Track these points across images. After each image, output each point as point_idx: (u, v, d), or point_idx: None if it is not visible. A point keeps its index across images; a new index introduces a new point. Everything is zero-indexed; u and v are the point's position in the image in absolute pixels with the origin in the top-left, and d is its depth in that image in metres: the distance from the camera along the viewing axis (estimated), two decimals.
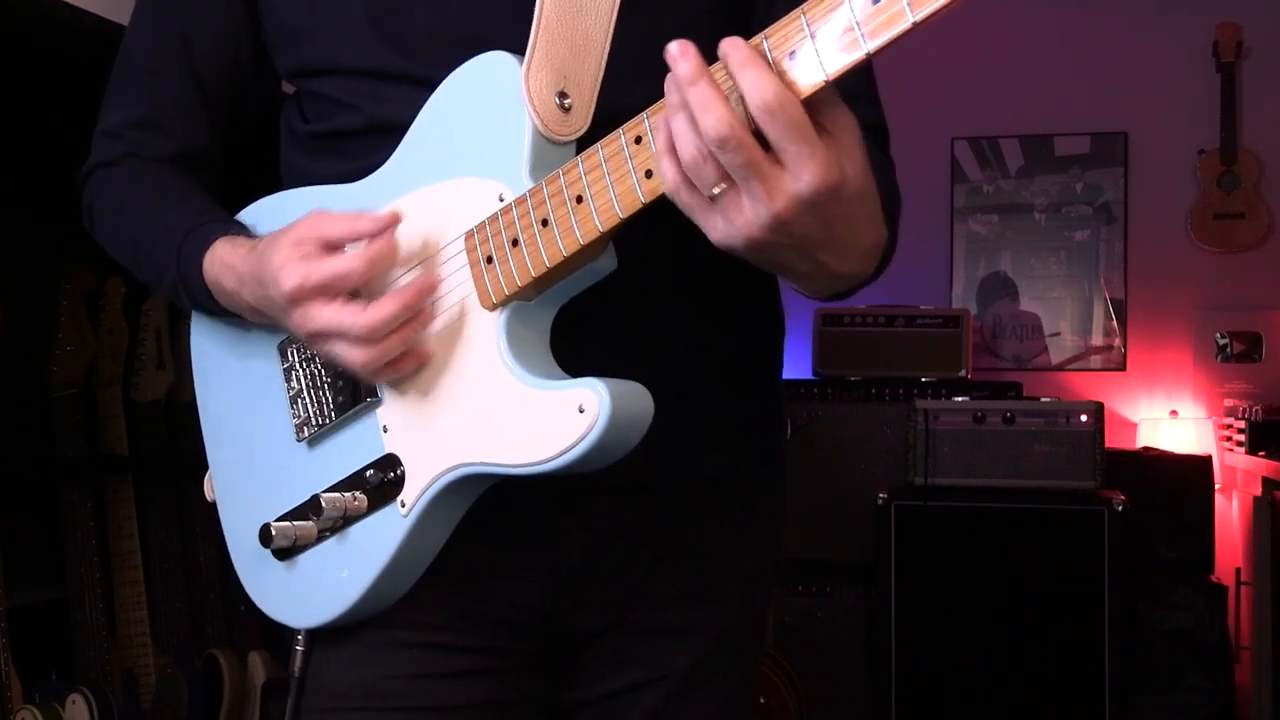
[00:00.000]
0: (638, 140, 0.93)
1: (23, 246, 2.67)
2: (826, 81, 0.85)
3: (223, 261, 1.13)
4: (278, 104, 1.28)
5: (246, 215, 1.23)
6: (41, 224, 2.71)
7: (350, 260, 1.03)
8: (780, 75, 0.85)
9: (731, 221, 0.89)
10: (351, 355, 1.03)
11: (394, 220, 1.05)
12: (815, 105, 0.86)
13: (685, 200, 0.90)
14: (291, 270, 1.03)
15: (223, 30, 1.22)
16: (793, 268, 0.94)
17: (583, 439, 0.96)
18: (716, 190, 0.88)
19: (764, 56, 0.86)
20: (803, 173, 0.85)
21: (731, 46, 0.86)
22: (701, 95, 0.86)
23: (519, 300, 1.02)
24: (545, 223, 0.99)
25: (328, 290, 1.03)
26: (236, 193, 1.28)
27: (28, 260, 2.64)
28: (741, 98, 0.85)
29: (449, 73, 1.07)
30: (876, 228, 0.96)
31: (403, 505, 1.07)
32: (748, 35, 0.88)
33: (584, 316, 1.06)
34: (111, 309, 2.78)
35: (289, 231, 1.06)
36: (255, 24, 1.22)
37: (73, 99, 2.67)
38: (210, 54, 1.23)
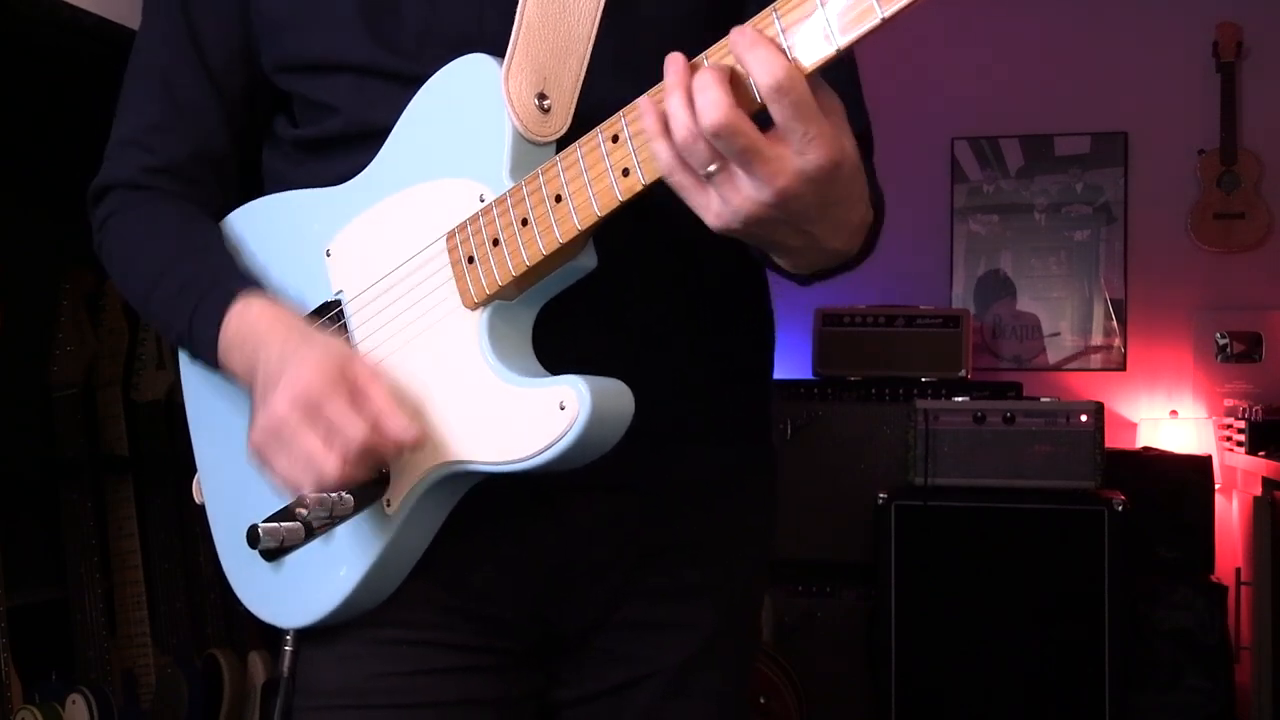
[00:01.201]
0: (615, 139, 0.94)
1: (23, 246, 2.67)
2: (838, 51, 0.85)
3: (254, 323, 1.10)
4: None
5: (235, 219, 1.23)
6: (41, 224, 2.72)
7: (362, 430, 1.00)
8: (790, 47, 0.86)
9: (728, 200, 0.90)
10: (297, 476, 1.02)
11: (416, 441, 1.03)
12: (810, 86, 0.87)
13: (678, 180, 0.91)
14: (312, 371, 1.01)
15: (231, 28, 1.21)
16: (784, 242, 0.95)
17: (563, 436, 0.97)
18: (712, 168, 0.89)
19: (771, 38, 0.87)
20: (809, 151, 0.87)
21: (739, 32, 0.87)
22: (701, 79, 0.87)
23: (500, 299, 1.03)
24: (525, 222, 0.99)
25: (322, 416, 1.01)
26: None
27: (28, 260, 2.64)
28: (748, 78, 0.86)
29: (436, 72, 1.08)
30: (865, 207, 0.98)
31: (388, 505, 1.08)
32: None
33: (565, 312, 1.06)
34: (111, 309, 2.78)
35: (336, 355, 1.04)
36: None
37: (73, 99, 2.67)
38: (222, 52, 1.22)
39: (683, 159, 0.90)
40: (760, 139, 0.87)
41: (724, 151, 0.88)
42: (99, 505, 2.72)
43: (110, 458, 2.76)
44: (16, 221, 2.69)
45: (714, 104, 0.86)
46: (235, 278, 1.15)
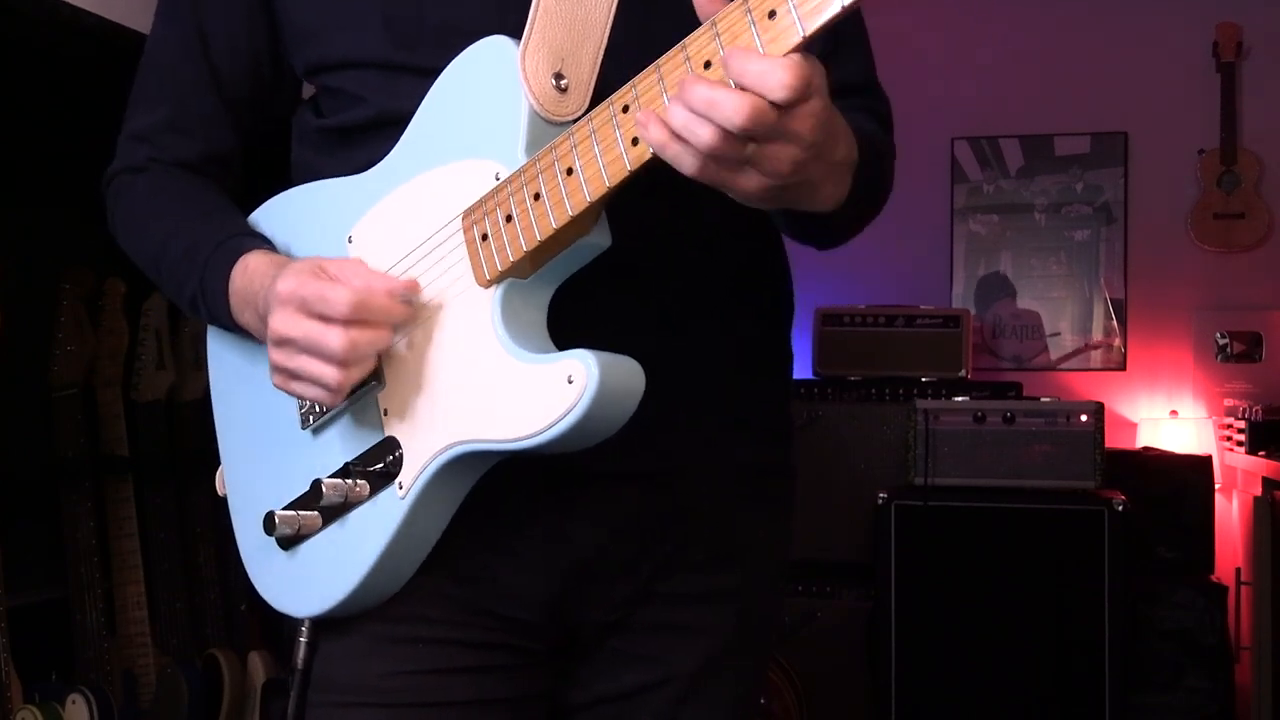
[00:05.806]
0: (625, 110, 0.94)
1: (23, 246, 2.67)
2: (804, 39, 0.85)
3: (256, 270, 1.13)
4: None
5: (257, 217, 1.24)
6: (41, 224, 2.72)
7: (347, 291, 1.04)
8: (761, 32, 0.87)
9: (773, 166, 0.90)
10: (318, 371, 1.05)
11: (413, 287, 1.07)
12: None
13: (712, 177, 0.91)
14: (290, 277, 1.05)
15: (239, 30, 1.22)
16: (814, 180, 0.95)
17: (571, 410, 0.96)
18: (750, 151, 0.89)
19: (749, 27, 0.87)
20: (791, 81, 0.86)
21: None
22: (707, 95, 0.87)
23: (514, 277, 1.03)
24: (537, 196, 0.99)
25: (312, 305, 1.04)
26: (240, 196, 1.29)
27: (28, 260, 2.64)
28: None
29: None
30: (849, 143, 0.98)
31: (400, 487, 1.08)
32: None
33: (585, 295, 1.07)
34: (111, 309, 2.78)
35: (307, 261, 1.09)
36: (272, 24, 1.22)
37: (72, 99, 2.67)
38: (228, 55, 1.23)
39: (713, 160, 0.90)
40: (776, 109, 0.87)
41: (760, 135, 0.88)
42: (99, 505, 2.72)
43: (110, 458, 2.75)
44: (16, 221, 2.69)
45: (735, 108, 0.86)
46: (239, 235, 1.17)
